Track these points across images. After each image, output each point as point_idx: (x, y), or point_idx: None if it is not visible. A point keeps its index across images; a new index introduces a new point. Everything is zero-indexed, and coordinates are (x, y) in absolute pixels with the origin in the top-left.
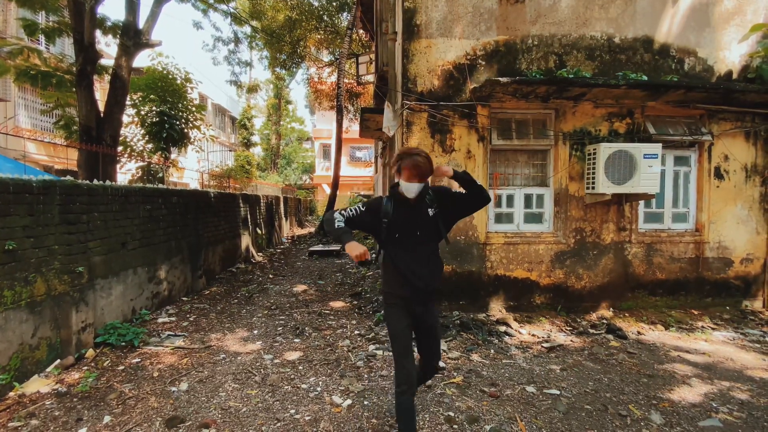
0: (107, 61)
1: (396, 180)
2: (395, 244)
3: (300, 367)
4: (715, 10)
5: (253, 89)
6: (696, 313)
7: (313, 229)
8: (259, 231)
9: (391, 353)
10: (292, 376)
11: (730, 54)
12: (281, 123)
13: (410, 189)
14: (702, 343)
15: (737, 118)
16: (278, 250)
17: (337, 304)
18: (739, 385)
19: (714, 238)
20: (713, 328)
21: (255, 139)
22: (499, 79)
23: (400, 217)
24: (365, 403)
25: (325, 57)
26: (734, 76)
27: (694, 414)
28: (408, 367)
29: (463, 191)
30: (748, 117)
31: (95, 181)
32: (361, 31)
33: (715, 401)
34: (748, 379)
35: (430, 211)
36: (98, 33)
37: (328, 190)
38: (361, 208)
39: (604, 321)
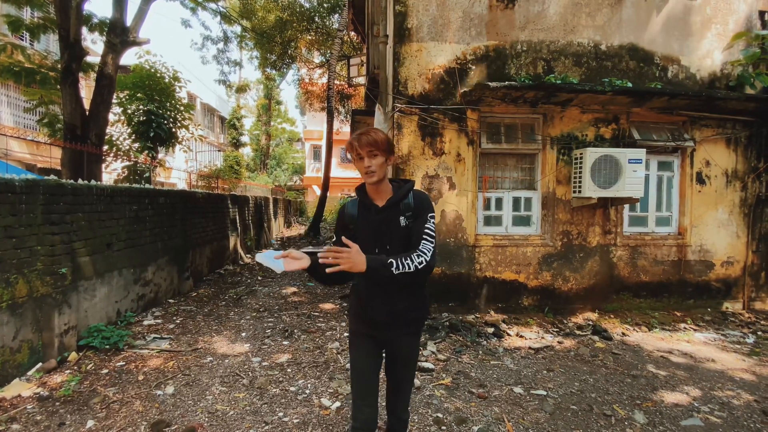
0: (93, 59)
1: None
2: None
3: (289, 370)
4: (697, 19)
5: (242, 89)
6: (678, 314)
7: (302, 231)
8: (247, 232)
9: None
10: (281, 379)
11: (712, 62)
12: (271, 123)
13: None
14: (684, 344)
15: (719, 125)
16: None
17: (327, 306)
18: (720, 385)
19: (696, 241)
20: (695, 330)
21: (244, 139)
22: (489, 83)
23: (363, 225)
24: None
25: (316, 58)
26: (716, 84)
27: (676, 413)
28: (366, 412)
29: (417, 227)
30: (729, 124)
31: (80, 181)
32: (352, 33)
33: (696, 401)
34: (728, 379)
35: (403, 220)
36: (84, 30)
37: (318, 192)
38: (335, 234)
39: (590, 322)
